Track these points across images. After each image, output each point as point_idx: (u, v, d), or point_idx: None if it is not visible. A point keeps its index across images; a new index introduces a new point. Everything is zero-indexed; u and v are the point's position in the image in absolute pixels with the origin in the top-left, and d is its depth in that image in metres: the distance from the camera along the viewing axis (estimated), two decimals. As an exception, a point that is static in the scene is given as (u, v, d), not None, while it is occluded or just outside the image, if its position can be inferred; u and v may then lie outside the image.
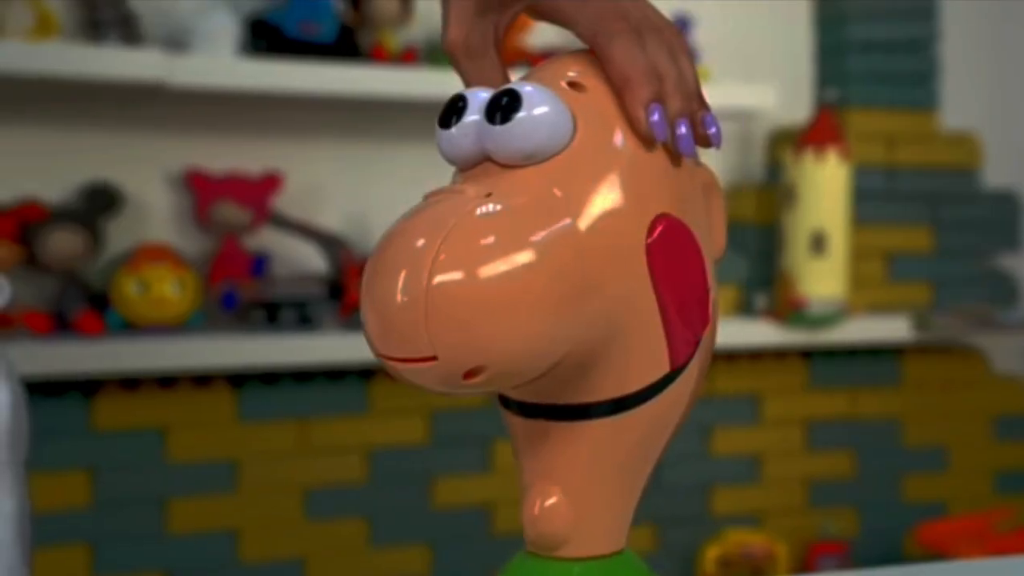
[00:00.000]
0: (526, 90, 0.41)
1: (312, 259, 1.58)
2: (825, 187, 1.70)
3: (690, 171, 0.45)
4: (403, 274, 0.38)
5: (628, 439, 0.44)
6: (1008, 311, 1.92)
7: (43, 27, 1.40)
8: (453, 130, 0.43)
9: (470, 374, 0.38)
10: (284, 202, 1.59)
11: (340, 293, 1.52)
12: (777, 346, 1.76)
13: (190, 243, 1.56)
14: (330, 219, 1.63)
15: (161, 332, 1.43)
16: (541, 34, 1.67)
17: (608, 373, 0.42)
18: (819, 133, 1.70)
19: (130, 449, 1.44)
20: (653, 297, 0.42)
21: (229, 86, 1.44)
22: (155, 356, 1.39)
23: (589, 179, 0.41)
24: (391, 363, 0.39)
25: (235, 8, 1.52)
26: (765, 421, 1.82)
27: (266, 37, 1.50)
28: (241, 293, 1.52)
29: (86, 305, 1.43)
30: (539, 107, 0.41)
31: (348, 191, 1.65)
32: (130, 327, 1.44)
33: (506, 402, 0.46)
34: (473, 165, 0.43)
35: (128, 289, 1.43)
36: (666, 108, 0.43)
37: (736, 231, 1.79)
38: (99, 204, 1.47)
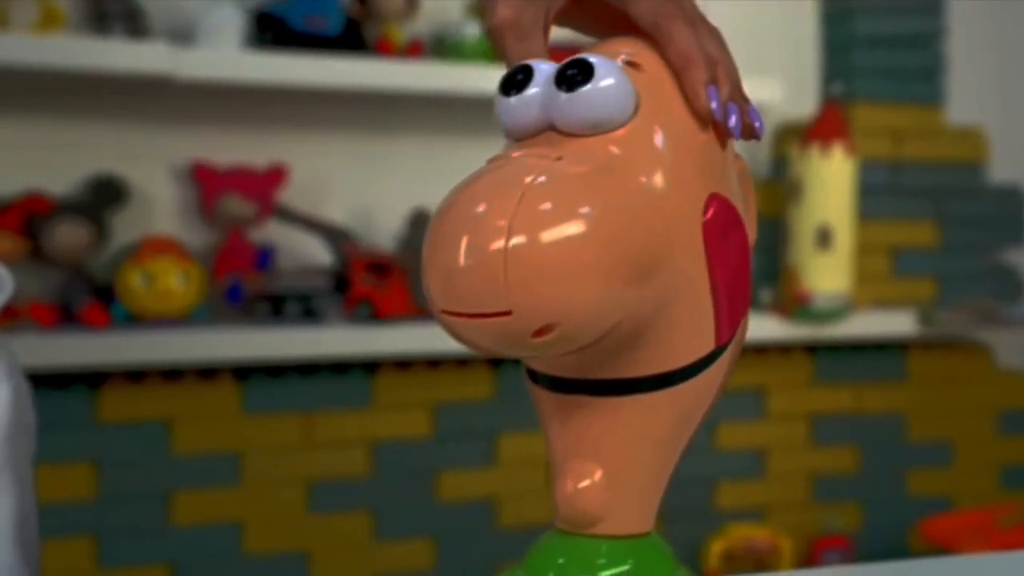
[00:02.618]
0: (595, 60, 0.42)
1: (317, 252, 1.58)
2: (831, 182, 1.69)
3: (732, 159, 0.47)
4: (481, 234, 0.38)
5: (669, 415, 0.45)
6: (1013, 306, 1.91)
7: (49, 20, 1.40)
8: (514, 100, 0.43)
9: (540, 332, 0.39)
10: (289, 195, 1.59)
11: (345, 286, 1.52)
12: (782, 341, 1.76)
13: (195, 236, 1.57)
14: (335, 212, 1.63)
15: (166, 325, 1.43)
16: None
17: (656, 347, 0.43)
18: (825, 128, 1.70)
19: (135, 442, 1.45)
20: (706, 274, 0.43)
21: (235, 79, 1.44)
22: (160, 349, 1.39)
23: (651, 152, 0.42)
24: (458, 319, 0.39)
25: (241, 1, 1.52)
26: (770, 415, 1.82)
27: (272, 30, 1.50)
28: (246, 286, 1.52)
29: (91, 298, 1.44)
30: (607, 79, 0.42)
31: (353, 184, 1.65)
32: (135, 320, 1.44)
33: (534, 376, 0.46)
34: (534, 135, 0.43)
35: (133, 282, 1.43)
36: (720, 92, 0.44)
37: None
38: (104, 197, 1.48)
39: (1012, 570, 0.64)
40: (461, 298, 0.39)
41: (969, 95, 1.98)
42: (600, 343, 0.41)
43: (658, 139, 0.43)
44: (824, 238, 1.70)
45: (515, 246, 0.38)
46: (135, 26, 1.45)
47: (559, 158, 0.41)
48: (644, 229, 0.40)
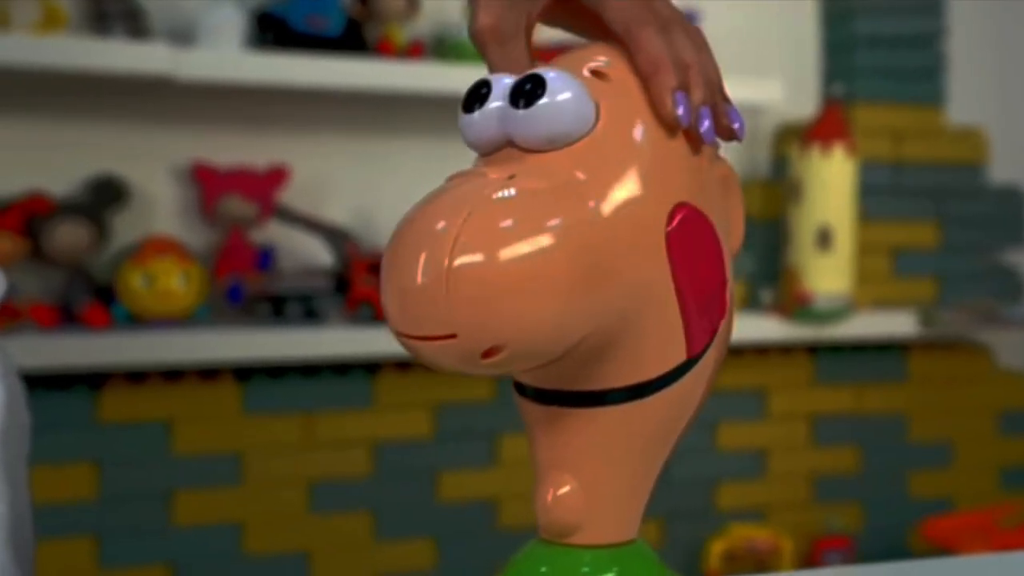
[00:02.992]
0: (550, 75, 0.42)
1: (318, 253, 1.58)
2: (831, 182, 1.69)
3: (709, 164, 0.46)
4: (424, 254, 0.38)
5: (643, 427, 0.44)
6: (1013, 307, 1.91)
7: (50, 20, 1.40)
8: (476, 115, 0.43)
9: (488, 353, 0.39)
10: (290, 195, 1.59)
11: (346, 287, 1.52)
12: (783, 341, 1.76)
13: (196, 236, 1.57)
14: (336, 213, 1.63)
15: (167, 325, 1.43)
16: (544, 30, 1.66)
17: (625, 359, 0.43)
18: (825, 128, 1.70)
19: (136, 442, 1.45)
20: (671, 285, 0.43)
21: (235, 80, 1.44)
22: (161, 349, 1.39)
23: (610, 165, 0.42)
24: (411, 341, 0.40)
25: (241, 2, 1.52)
26: (771, 416, 1.82)
27: (272, 31, 1.50)
28: (247, 286, 1.52)
29: (92, 298, 1.44)
30: (562, 93, 0.42)
31: (354, 185, 1.65)
32: (136, 320, 1.44)
33: (521, 388, 0.46)
34: (495, 150, 0.44)
35: (134, 282, 1.43)
36: (690, 97, 0.44)
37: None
38: (105, 197, 1.48)
39: (1012, 571, 0.64)
40: (410, 320, 0.39)
41: (969, 95, 1.98)
42: (569, 356, 0.41)
43: (618, 151, 0.42)
44: (825, 238, 1.70)
45: (457, 267, 0.38)
46: (136, 26, 1.45)
47: (511, 176, 0.41)
48: (597, 245, 0.40)
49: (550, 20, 0.50)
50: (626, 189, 0.42)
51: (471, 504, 1.61)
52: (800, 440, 1.84)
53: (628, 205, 0.41)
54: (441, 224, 0.38)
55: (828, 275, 1.70)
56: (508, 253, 0.38)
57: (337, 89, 1.49)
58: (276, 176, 1.56)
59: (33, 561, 0.68)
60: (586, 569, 0.44)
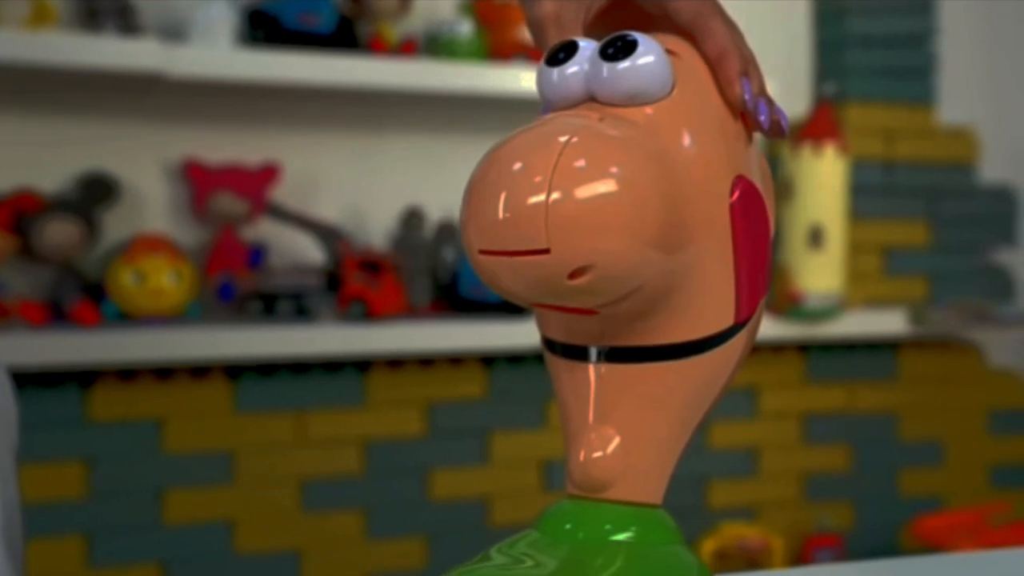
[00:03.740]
0: (641, 37, 0.44)
1: (310, 250, 1.58)
2: (822, 181, 1.70)
3: (758, 152, 0.49)
4: (528, 171, 0.40)
5: (684, 387, 0.46)
6: (1004, 306, 1.92)
7: (40, 16, 1.39)
8: (556, 72, 0.45)
9: (575, 274, 0.40)
10: (282, 193, 1.59)
11: (337, 285, 1.52)
12: (774, 340, 1.76)
13: (187, 234, 1.56)
14: (328, 210, 1.63)
15: (158, 323, 1.43)
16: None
17: (675, 317, 0.45)
18: (817, 127, 1.70)
19: (126, 440, 1.44)
20: (730, 251, 0.45)
21: (227, 77, 1.44)
22: (151, 347, 1.38)
23: (685, 128, 0.44)
24: (496, 258, 0.41)
25: (233, -2, 1.52)
26: (762, 414, 1.82)
27: (264, 28, 1.50)
28: (238, 284, 1.51)
29: (82, 296, 1.43)
30: (648, 55, 0.44)
31: (346, 182, 1.65)
32: (126, 318, 1.44)
33: (553, 346, 0.47)
34: (573, 105, 0.46)
35: (125, 280, 1.43)
36: (752, 85, 0.47)
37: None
38: (95, 194, 1.47)
39: (1002, 568, 0.65)
40: (501, 237, 0.40)
41: (961, 95, 1.98)
42: (621, 306, 0.43)
43: (692, 117, 0.45)
44: (816, 237, 1.70)
45: (558, 187, 0.39)
46: (127, 23, 1.44)
47: (601, 119, 0.43)
48: (675, 197, 0.42)
49: (600, 27, 0.51)
50: (700, 153, 0.44)
51: (463, 502, 1.61)
52: (791, 438, 1.84)
53: (699, 168, 0.44)
54: (546, 145, 0.40)
55: (819, 274, 1.71)
56: (597, 189, 0.40)
57: (329, 87, 1.49)
58: (268, 173, 1.56)
59: (23, 553, 0.67)
60: (609, 526, 0.45)
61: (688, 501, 1.76)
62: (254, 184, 1.55)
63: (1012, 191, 1.96)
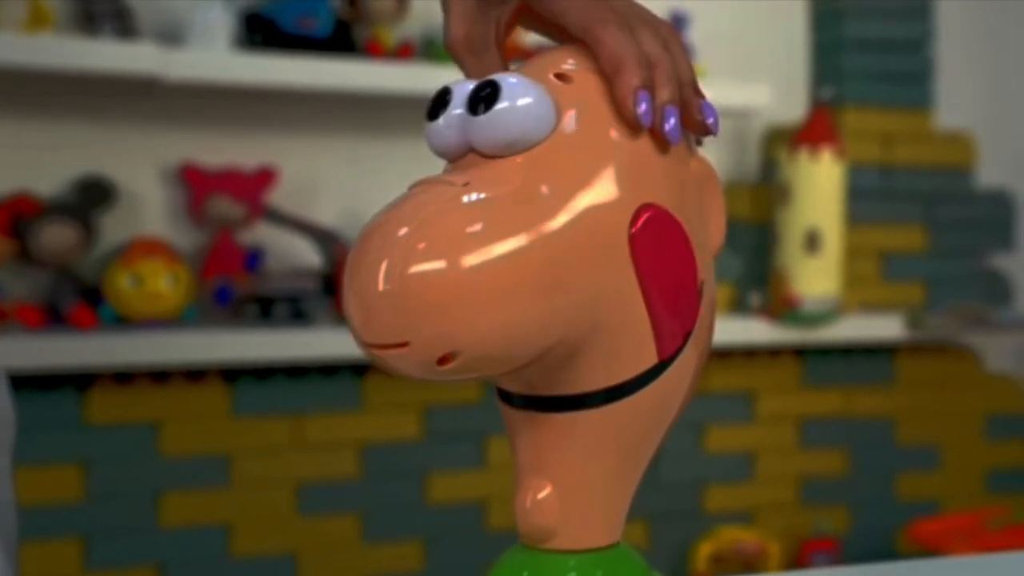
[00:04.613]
0: (507, 81, 0.42)
1: (306, 254, 1.58)
2: (819, 185, 1.70)
3: (682, 163, 0.45)
4: (379, 263, 0.38)
5: (620, 430, 0.44)
6: (1002, 310, 1.92)
7: (37, 20, 1.39)
8: (439, 122, 0.43)
9: (444, 360, 0.39)
10: (279, 197, 1.59)
11: (334, 288, 1.52)
12: (771, 344, 1.76)
13: (184, 237, 1.56)
14: (325, 214, 1.63)
15: (154, 326, 1.43)
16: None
17: (597, 363, 0.43)
18: (814, 131, 1.70)
19: (123, 443, 1.44)
20: (638, 288, 0.42)
21: (224, 80, 1.44)
22: (148, 350, 1.38)
23: (571, 168, 0.42)
24: (371, 350, 0.40)
25: (230, 2, 1.52)
26: (758, 419, 1.82)
27: (261, 31, 1.50)
28: (235, 288, 1.51)
29: (79, 299, 1.43)
30: (520, 98, 0.41)
31: (343, 186, 1.65)
32: (123, 321, 1.43)
33: (503, 394, 0.46)
34: (459, 157, 0.44)
35: (121, 283, 1.43)
36: (655, 96, 0.43)
37: (730, 229, 1.78)
38: (92, 198, 1.47)
39: (998, 572, 0.65)
40: (369, 328, 0.39)
41: (958, 99, 1.99)
42: (541, 362, 0.41)
43: (579, 155, 0.42)
44: (813, 242, 1.70)
45: (413, 271, 0.38)
46: (124, 26, 1.44)
47: (466, 183, 0.41)
48: (554, 252, 0.40)
49: (524, 24, 0.50)
50: (587, 192, 0.41)
51: (460, 505, 1.61)
52: (788, 443, 1.84)
53: (589, 209, 0.41)
54: (396, 232, 0.39)
55: (816, 278, 1.71)
56: (463, 260, 0.38)
57: (326, 90, 1.49)
58: (264, 177, 1.56)
59: (16, 550, 0.67)
60: (572, 574, 0.44)
61: (684, 505, 1.76)
62: (251, 188, 1.55)
63: (1009, 195, 1.97)
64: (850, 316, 1.78)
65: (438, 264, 0.38)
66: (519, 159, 0.41)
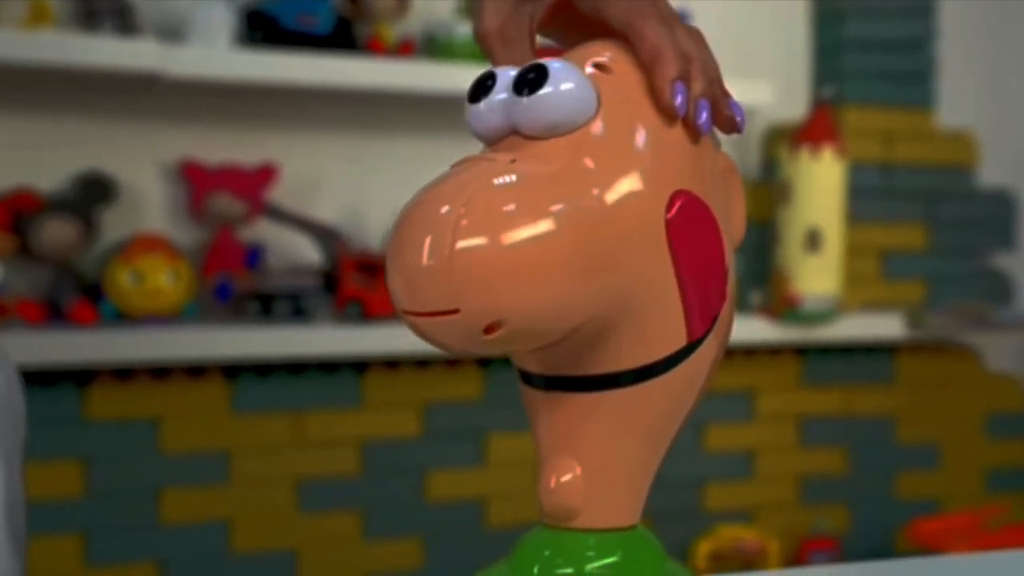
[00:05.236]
0: (553, 65, 0.43)
1: (307, 251, 1.58)
2: (820, 184, 1.70)
3: (711, 155, 0.47)
4: (428, 237, 0.40)
5: (645, 412, 0.45)
6: (1003, 310, 1.92)
7: (37, 16, 1.39)
8: (482, 105, 0.45)
9: (489, 329, 0.40)
10: (279, 194, 1.59)
11: (335, 285, 1.52)
12: (771, 343, 1.76)
13: (185, 234, 1.56)
14: (325, 211, 1.63)
15: (155, 323, 1.43)
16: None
17: (627, 343, 0.44)
18: (815, 130, 1.70)
19: (123, 439, 1.44)
20: (671, 271, 0.44)
21: (225, 77, 1.44)
22: (149, 347, 1.38)
23: (610, 152, 0.43)
24: (417, 319, 0.41)
25: (232, -1, 1.52)
26: (758, 417, 1.82)
27: (262, 28, 1.50)
28: (235, 285, 1.51)
29: (80, 295, 1.43)
30: (565, 82, 0.43)
31: (344, 183, 1.65)
32: (124, 317, 1.44)
33: (525, 377, 0.47)
34: (500, 139, 0.45)
35: (122, 279, 1.43)
36: (690, 88, 0.45)
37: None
38: (93, 194, 1.47)
39: (997, 570, 0.65)
40: (416, 298, 0.40)
41: (960, 98, 1.99)
42: (570, 340, 0.42)
43: (618, 140, 0.43)
44: (814, 240, 1.70)
45: (459, 249, 0.39)
46: (125, 23, 1.44)
47: (513, 160, 0.42)
48: (595, 231, 0.41)
49: (548, 27, 0.51)
50: (626, 176, 0.43)
51: (459, 503, 1.61)
52: (788, 441, 1.84)
53: (628, 192, 0.43)
54: (444, 208, 0.40)
55: (817, 277, 1.71)
56: (508, 236, 0.39)
57: (327, 87, 1.49)
58: (265, 174, 1.56)
59: (25, 546, 0.68)
60: (591, 553, 0.45)
61: (684, 503, 1.76)
62: (252, 185, 1.55)
63: (1011, 195, 1.97)
64: (850, 315, 1.78)
65: (488, 239, 0.39)
66: (561, 141, 0.43)
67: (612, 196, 0.42)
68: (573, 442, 0.45)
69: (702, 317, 0.45)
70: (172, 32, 1.51)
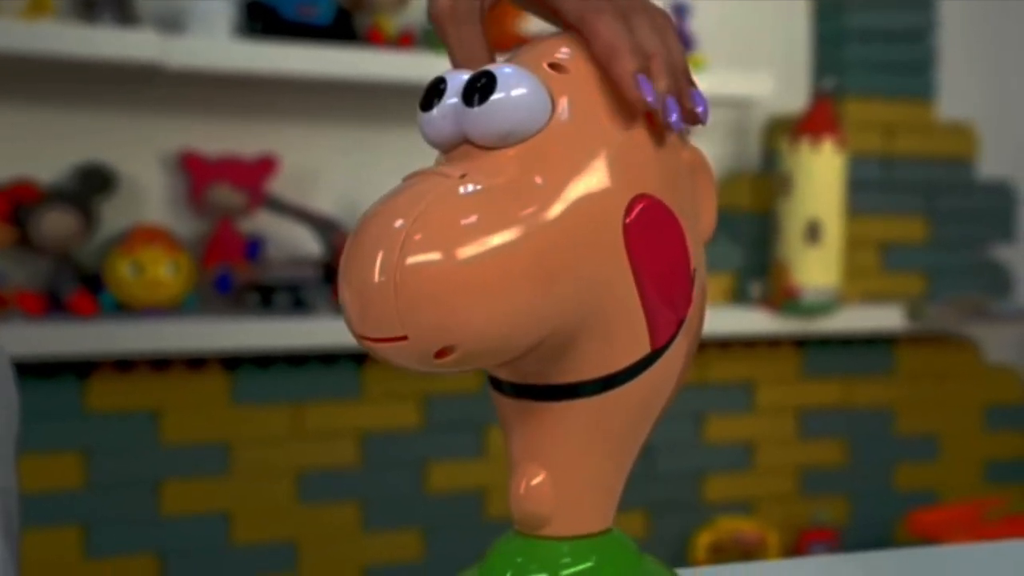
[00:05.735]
0: (503, 72, 0.42)
1: (307, 242, 1.58)
2: (821, 176, 1.70)
3: (675, 151, 0.45)
4: (376, 255, 0.38)
5: (613, 419, 0.44)
6: (1002, 302, 1.92)
7: (37, 6, 1.39)
8: (434, 112, 0.43)
9: (441, 353, 0.39)
10: (279, 185, 1.58)
11: (334, 277, 1.51)
12: (771, 334, 1.76)
13: (185, 225, 1.56)
14: (325, 202, 1.63)
15: (155, 314, 1.43)
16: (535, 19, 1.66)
17: (591, 353, 0.43)
18: (815, 122, 1.70)
19: (123, 431, 1.44)
20: (631, 278, 0.42)
21: (225, 68, 1.43)
22: (149, 338, 1.38)
23: (566, 160, 0.42)
24: (367, 343, 0.40)
25: (231, -10, 1.52)
26: (758, 409, 1.82)
27: (262, 19, 1.50)
28: (235, 276, 1.51)
29: (80, 286, 1.43)
30: (516, 88, 0.41)
31: (344, 175, 1.65)
32: (124, 309, 1.44)
33: (496, 383, 0.46)
34: (454, 147, 0.43)
35: (122, 271, 1.43)
36: (655, 85, 0.43)
37: (731, 219, 1.79)
38: (93, 185, 1.47)
39: (995, 560, 0.65)
40: (365, 322, 0.39)
41: (960, 90, 1.98)
42: (536, 352, 0.41)
43: (573, 145, 0.42)
44: (814, 232, 1.70)
45: (404, 268, 0.38)
46: (124, 13, 1.44)
47: (463, 175, 0.40)
48: (549, 244, 0.40)
49: (518, 4, 0.50)
50: (581, 183, 0.41)
51: (459, 495, 1.62)
52: (787, 433, 1.85)
53: (583, 200, 0.41)
54: (392, 224, 0.38)
55: (817, 269, 1.71)
56: (457, 253, 0.38)
57: (327, 78, 1.49)
58: (265, 165, 1.56)
59: (18, 538, 0.68)
60: (565, 559, 0.45)
61: (684, 494, 1.76)
62: (252, 176, 1.55)
63: (1011, 187, 1.96)
64: (850, 307, 1.78)
65: (435, 256, 0.38)
66: (512, 151, 0.41)
67: (567, 205, 0.40)
68: (542, 450, 0.44)
69: (666, 323, 0.44)
70: (172, 23, 1.50)
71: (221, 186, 1.52)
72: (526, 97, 0.41)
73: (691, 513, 1.76)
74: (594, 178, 0.42)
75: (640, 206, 0.42)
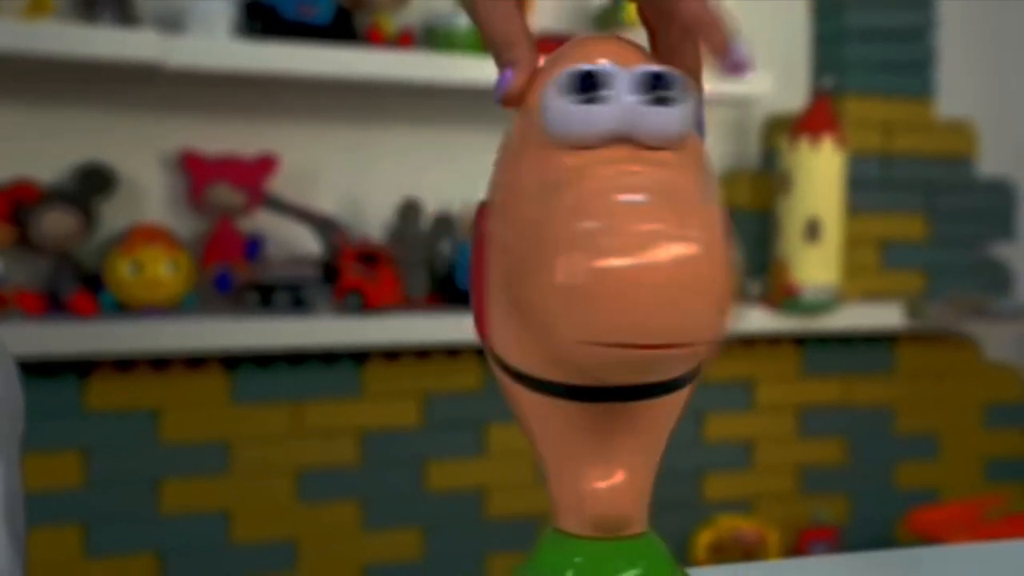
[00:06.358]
0: (678, 76, 0.42)
1: (307, 242, 1.58)
2: (820, 174, 1.70)
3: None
4: (695, 262, 0.39)
5: (671, 417, 0.46)
6: (1002, 300, 1.92)
7: (37, 6, 1.39)
8: (594, 109, 0.41)
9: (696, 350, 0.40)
10: (279, 184, 1.58)
11: (335, 276, 1.52)
12: (770, 332, 1.76)
13: (184, 225, 1.56)
14: (325, 202, 1.63)
15: (155, 313, 1.43)
16: (542, 14, 1.66)
17: None
18: (815, 120, 1.70)
19: (123, 430, 1.45)
20: None
21: (225, 68, 1.43)
22: (149, 337, 1.38)
23: (704, 166, 0.44)
24: (642, 351, 0.39)
25: (231, -11, 1.51)
26: (758, 407, 1.82)
27: (262, 19, 1.50)
28: (235, 275, 1.51)
29: (79, 286, 1.43)
30: (687, 93, 0.42)
31: (343, 174, 1.65)
32: (123, 308, 1.44)
33: (543, 387, 0.45)
34: (601, 144, 0.41)
35: (122, 270, 1.43)
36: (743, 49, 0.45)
37: (731, 217, 1.79)
38: (93, 185, 1.47)
39: (995, 560, 0.65)
40: (665, 331, 0.39)
41: (959, 88, 1.98)
42: None
43: (700, 152, 0.44)
44: (813, 230, 1.70)
45: (719, 284, 0.39)
46: (124, 13, 1.44)
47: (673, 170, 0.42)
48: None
49: None
50: (715, 191, 0.43)
51: (459, 493, 1.62)
52: (787, 431, 1.85)
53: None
54: (676, 223, 0.39)
55: (816, 267, 1.71)
56: (728, 262, 0.40)
57: (327, 78, 1.49)
58: (265, 165, 1.56)
59: (25, 541, 0.68)
60: (620, 562, 0.45)
61: (684, 494, 1.77)
62: (251, 175, 1.55)
63: (1010, 185, 1.97)
64: (850, 305, 1.78)
65: (715, 257, 0.40)
66: (680, 154, 0.42)
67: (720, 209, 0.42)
68: (619, 450, 0.45)
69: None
70: (172, 22, 1.50)
71: (221, 185, 1.53)
72: (693, 103, 0.42)
73: (691, 512, 1.76)
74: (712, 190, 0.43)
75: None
